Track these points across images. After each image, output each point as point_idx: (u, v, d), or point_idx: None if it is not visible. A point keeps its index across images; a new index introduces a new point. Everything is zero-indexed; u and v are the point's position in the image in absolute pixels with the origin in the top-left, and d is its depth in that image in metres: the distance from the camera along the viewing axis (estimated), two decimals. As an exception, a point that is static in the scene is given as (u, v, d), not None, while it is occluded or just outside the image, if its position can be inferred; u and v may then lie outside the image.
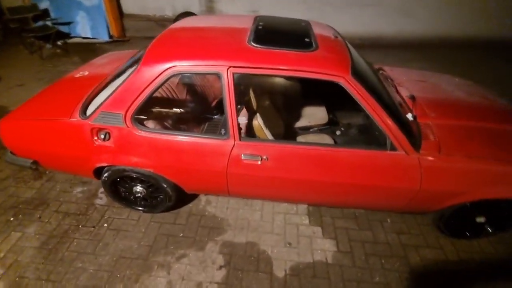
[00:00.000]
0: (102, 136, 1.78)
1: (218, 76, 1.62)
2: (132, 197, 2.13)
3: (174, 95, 2.15)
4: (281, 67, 1.59)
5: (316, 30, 1.99)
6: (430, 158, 1.68)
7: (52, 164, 2.02)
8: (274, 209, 2.29)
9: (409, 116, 1.86)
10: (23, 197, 2.32)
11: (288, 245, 2.05)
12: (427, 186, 1.72)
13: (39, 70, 4.44)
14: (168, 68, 1.61)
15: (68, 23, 5.01)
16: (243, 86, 2.15)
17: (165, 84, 2.11)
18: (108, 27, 5.43)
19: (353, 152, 1.70)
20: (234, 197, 2.29)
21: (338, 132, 2.39)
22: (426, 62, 4.75)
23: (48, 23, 4.86)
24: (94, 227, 2.12)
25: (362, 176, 1.73)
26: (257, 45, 1.67)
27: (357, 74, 1.62)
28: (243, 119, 1.98)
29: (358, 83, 1.58)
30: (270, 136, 1.89)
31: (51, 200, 2.30)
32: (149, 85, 1.64)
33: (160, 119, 1.95)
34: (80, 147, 1.83)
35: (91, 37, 5.49)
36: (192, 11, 5.41)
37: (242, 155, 1.72)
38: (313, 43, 1.75)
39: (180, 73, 1.64)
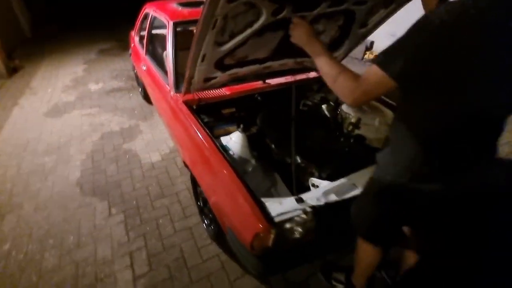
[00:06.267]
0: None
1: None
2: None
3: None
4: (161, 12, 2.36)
5: None
6: (174, 99, 1.86)
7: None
8: (166, 142, 2.76)
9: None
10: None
11: (154, 152, 2.59)
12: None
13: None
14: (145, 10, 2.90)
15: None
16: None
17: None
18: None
19: (158, 81, 2.19)
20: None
21: None
22: None
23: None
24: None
25: (160, 98, 2.12)
26: (177, 6, 2.42)
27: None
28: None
29: (174, 31, 2.02)
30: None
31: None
32: (140, 14, 3.03)
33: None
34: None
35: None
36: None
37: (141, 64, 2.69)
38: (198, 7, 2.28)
39: (148, 14, 2.78)
